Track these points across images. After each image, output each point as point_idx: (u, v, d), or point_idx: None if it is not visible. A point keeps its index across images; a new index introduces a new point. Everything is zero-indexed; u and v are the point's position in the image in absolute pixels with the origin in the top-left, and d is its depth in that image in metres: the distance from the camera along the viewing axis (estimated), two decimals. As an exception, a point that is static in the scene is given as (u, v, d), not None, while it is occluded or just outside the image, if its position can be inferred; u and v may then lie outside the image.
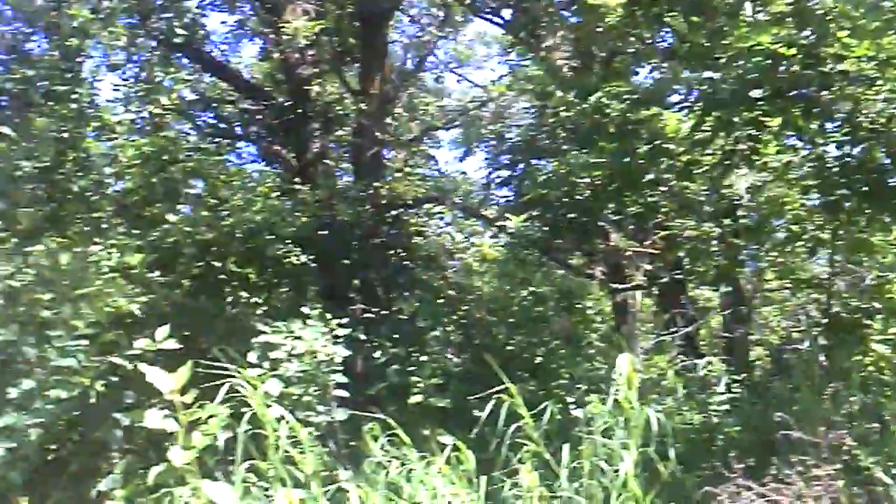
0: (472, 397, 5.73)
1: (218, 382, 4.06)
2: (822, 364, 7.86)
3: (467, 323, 10.91)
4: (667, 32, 9.43)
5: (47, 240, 7.20)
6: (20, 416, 4.94)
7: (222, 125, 13.72)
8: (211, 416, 3.67)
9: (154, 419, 3.31)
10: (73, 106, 9.52)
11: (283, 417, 4.28)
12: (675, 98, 9.19)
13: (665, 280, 11.27)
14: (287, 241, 9.93)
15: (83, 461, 5.44)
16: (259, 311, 9.79)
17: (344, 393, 7.66)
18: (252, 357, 7.16)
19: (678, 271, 11.19)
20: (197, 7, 12.07)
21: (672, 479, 5.07)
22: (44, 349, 5.11)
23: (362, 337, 9.15)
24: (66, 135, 9.50)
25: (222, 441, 3.82)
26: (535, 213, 10.30)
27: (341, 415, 7.47)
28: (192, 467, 3.39)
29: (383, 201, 11.75)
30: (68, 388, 5.19)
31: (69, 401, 5.19)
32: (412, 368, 8.90)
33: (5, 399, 4.98)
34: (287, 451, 4.24)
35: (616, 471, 4.86)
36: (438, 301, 11.25)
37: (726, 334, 11.33)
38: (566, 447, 4.98)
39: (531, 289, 11.08)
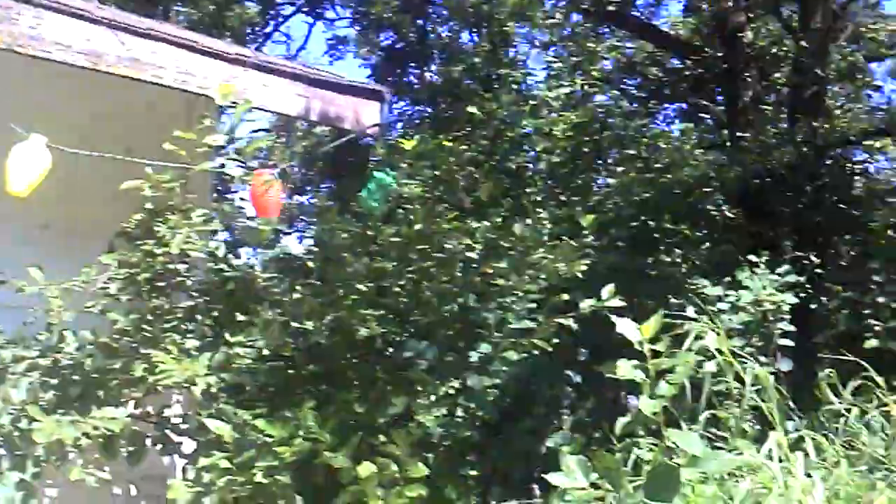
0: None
1: (673, 333, 4.03)
2: None
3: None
4: None
5: (495, 214, 7.66)
6: (480, 378, 5.25)
7: (648, 87, 13.61)
8: (677, 366, 3.64)
9: (625, 369, 3.35)
10: (514, 87, 10.05)
11: (746, 364, 4.15)
12: None
13: None
14: (719, 194, 9.69)
15: (534, 419, 5.69)
16: (687, 267, 9.62)
17: (789, 342, 7.29)
18: (690, 311, 7.04)
19: None
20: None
21: None
22: (503, 314, 5.39)
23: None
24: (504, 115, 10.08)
25: (688, 390, 3.79)
26: None
27: (786, 365, 7.13)
28: (658, 417, 3.38)
29: (820, 142, 10.98)
30: (521, 348, 5.44)
31: (522, 361, 5.44)
32: (866, 312, 8.27)
33: (467, 363, 5.33)
34: (753, 400, 4.11)
35: None
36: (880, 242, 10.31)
37: None
38: None
39: None
